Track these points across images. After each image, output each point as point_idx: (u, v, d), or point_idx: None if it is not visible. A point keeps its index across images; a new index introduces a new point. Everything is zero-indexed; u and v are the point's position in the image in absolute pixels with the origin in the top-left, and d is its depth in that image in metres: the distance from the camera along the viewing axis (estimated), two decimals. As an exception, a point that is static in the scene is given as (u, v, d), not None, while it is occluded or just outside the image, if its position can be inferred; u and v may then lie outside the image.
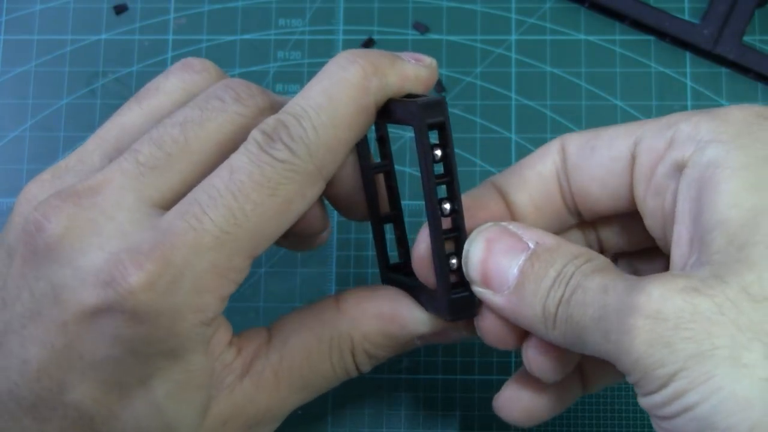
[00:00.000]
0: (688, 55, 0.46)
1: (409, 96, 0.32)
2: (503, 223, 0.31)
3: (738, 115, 0.29)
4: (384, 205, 0.35)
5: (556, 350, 0.31)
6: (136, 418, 0.29)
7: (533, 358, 0.31)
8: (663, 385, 0.26)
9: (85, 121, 0.46)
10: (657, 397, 0.26)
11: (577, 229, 0.35)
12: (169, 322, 0.28)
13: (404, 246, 0.36)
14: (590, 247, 0.35)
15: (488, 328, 0.32)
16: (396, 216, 0.35)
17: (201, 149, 0.31)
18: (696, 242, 0.28)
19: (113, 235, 0.29)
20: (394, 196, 0.35)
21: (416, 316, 0.33)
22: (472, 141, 0.45)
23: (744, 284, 0.26)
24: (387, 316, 0.32)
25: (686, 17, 0.46)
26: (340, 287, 0.44)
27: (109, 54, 0.47)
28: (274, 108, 0.32)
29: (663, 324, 0.26)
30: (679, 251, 0.29)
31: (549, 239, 0.30)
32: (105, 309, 0.28)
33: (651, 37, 0.46)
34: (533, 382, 0.33)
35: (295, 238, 0.34)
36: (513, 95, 0.46)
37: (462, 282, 0.31)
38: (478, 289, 0.31)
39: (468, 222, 0.31)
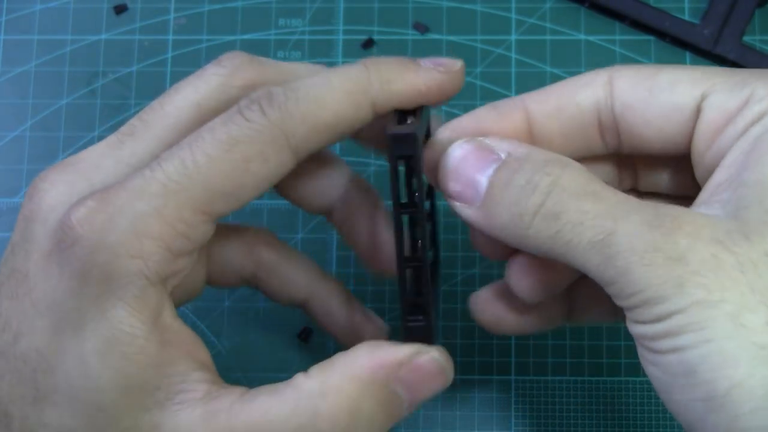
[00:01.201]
0: (688, 55, 0.46)
1: (415, 110, 0.32)
2: (479, 138, 0.31)
3: None
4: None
5: (540, 272, 0.31)
6: (67, 373, 0.29)
7: (515, 275, 0.32)
8: (659, 319, 0.26)
9: (85, 121, 0.47)
10: (648, 329, 0.27)
11: (611, 162, 0.34)
12: (104, 259, 0.28)
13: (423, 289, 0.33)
14: (623, 183, 0.35)
15: (476, 240, 0.33)
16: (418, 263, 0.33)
17: (176, 112, 0.31)
18: (727, 191, 0.28)
19: (84, 191, 0.30)
20: (428, 240, 0.33)
21: (394, 351, 0.31)
22: (472, 141, 0.45)
23: (767, 248, 0.26)
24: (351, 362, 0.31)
25: (686, 17, 0.46)
26: (340, 287, 0.44)
27: (109, 54, 0.47)
28: (255, 65, 0.32)
29: (684, 267, 0.26)
30: (707, 190, 0.29)
31: (521, 149, 0.30)
32: (54, 249, 0.29)
33: (651, 37, 0.46)
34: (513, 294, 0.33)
35: None
36: (513, 95, 0.46)
37: (420, 310, 0.31)
38: (455, 203, 0.31)
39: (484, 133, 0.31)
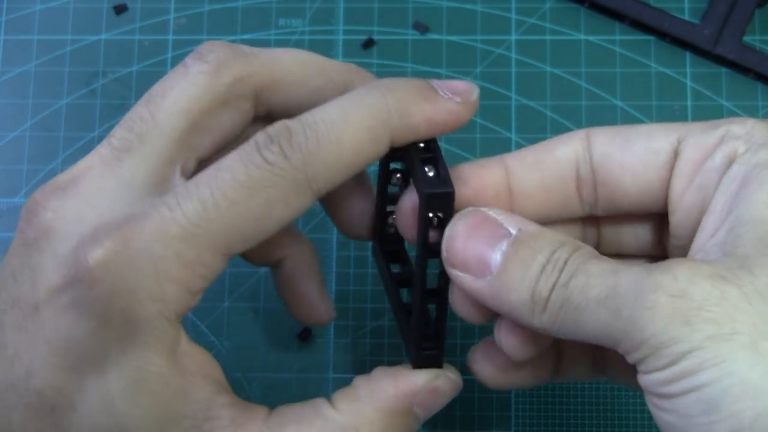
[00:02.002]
0: (688, 55, 0.46)
1: (429, 144, 0.31)
2: (483, 209, 0.31)
3: None
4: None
5: (528, 330, 0.31)
6: (91, 412, 0.29)
7: (505, 335, 0.31)
8: (673, 362, 0.26)
9: (85, 121, 0.46)
10: (662, 374, 0.26)
11: (577, 224, 0.34)
12: (125, 303, 0.28)
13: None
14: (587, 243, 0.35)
15: (460, 305, 0.32)
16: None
17: (169, 121, 0.30)
18: (721, 233, 0.28)
19: (93, 221, 0.29)
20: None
21: (419, 378, 0.32)
22: (472, 141, 0.45)
23: None
24: (388, 395, 0.32)
25: (686, 17, 0.46)
26: (340, 287, 0.44)
27: (109, 54, 0.47)
28: (240, 59, 0.31)
29: (688, 303, 0.26)
30: (700, 239, 0.29)
31: (531, 226, 0.30)
32: (67, 287, 0.28)
33: (651, 37, 0.46)
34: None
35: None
36: (513, 95, 0.46)
37: (432, 337, 0.32)
38: (458, 273, 0.30)
39: (460, 189, 0.31)
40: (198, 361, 0.30)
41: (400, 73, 0.47)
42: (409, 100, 0.30)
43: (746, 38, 0.46)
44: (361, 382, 0.32)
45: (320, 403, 0.31)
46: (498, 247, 0.30)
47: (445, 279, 0.31)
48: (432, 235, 0.31)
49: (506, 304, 0.30)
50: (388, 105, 0.30)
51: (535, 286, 0.29)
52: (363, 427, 0.31)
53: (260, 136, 0.29)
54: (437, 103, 0.31)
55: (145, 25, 0.48)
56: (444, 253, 0.31)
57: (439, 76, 0.46)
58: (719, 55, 0.45)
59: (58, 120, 0.47)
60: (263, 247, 0.35)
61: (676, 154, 0.31)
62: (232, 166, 0.29)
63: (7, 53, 0.48)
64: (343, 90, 0.32)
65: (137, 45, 0.47)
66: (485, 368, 0.34)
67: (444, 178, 0.30)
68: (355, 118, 0.29)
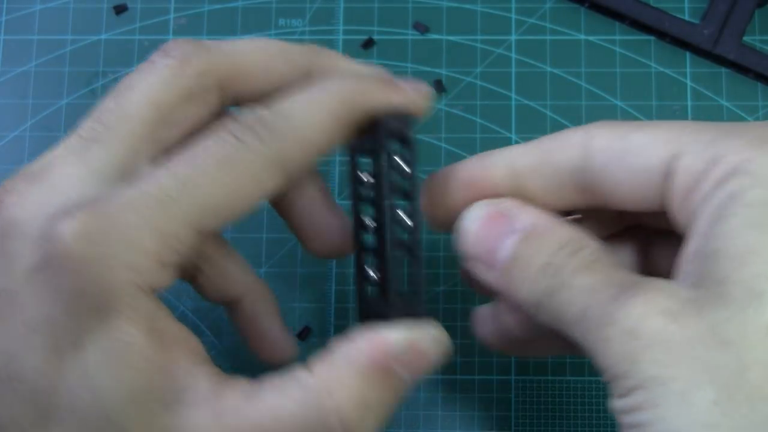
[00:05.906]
0: (688, 55, 0.46)
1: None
2: (497, 201, 0.32)
3: None
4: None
5: (497, 324, 0.33)
6: (71, 390, 0.28)
7: (477, 324, 0.33)
8: (625, 395, 0.27)
9: (85, 121, 0.47)
10: (617, 403, 0.27)
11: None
12: (98, 271, 0.28)
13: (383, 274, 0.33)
14: (624, 219, 0.35)
15: (469, 276, 0.33)
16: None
17: (135, 113, 0.31)
18: (692, 260, 0.28)
19: (60, 203, 0.29)
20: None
21: (394, 334, 0.31)
22: (472, 141, 0.45)
23: (715, 322, 0.26)
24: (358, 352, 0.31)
25: (686, 17, 0.46)
26: (340, 287, 0.44)
27: (109, 54, 0.47)
28: (203, 52, 0.32)
29: (635, 342, 0.27)
30: (682, 258, 0.29)
31: (542, 221, 0.31)
32: (42, 264, 0.28)
33: (651, 37, 0.46)
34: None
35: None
36: (513, 95, 0.46)
37: (409, 293, 0.32)
38: (472, 263, 0.32)
39: (469, 188, 0.32)
40: (178, 337, 0.30)
41: (400, 74, 0.47)
42: (370, 82, 0.32)
43: (746, 38, 0.46)
44: (336, 344, 0.31)
45: (297, 368, 0.31)
46: (507, 243, 0.31)
47: (417, 227, 0.31)
48: (396, 177, 0.31)
49: (513, 299, 0.31)
50: (351, 87, 0.31)
51: (534, 288, 0.30)
52: (336, 388, 0.30)
53: (230, 123, 0.30)
54: (396, 87, 0.32)
55: (145, 25, 0.48)
56: (459, 245, 0.32)
57: (439, 76, 0.46)
58: (719, 55, 0.45)
59: (58, 120, 0.47)
60: (219, 282, 0.36)
61: (670, 173, 0.30)
62: (206, 144, 0.29)
63: (7, 53, 0.48)
64: (306, 72, 0.33)
65: (137, 45, 0.47)
66: (485, 334, 0.35)
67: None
68: (319, 100, 0.31)
